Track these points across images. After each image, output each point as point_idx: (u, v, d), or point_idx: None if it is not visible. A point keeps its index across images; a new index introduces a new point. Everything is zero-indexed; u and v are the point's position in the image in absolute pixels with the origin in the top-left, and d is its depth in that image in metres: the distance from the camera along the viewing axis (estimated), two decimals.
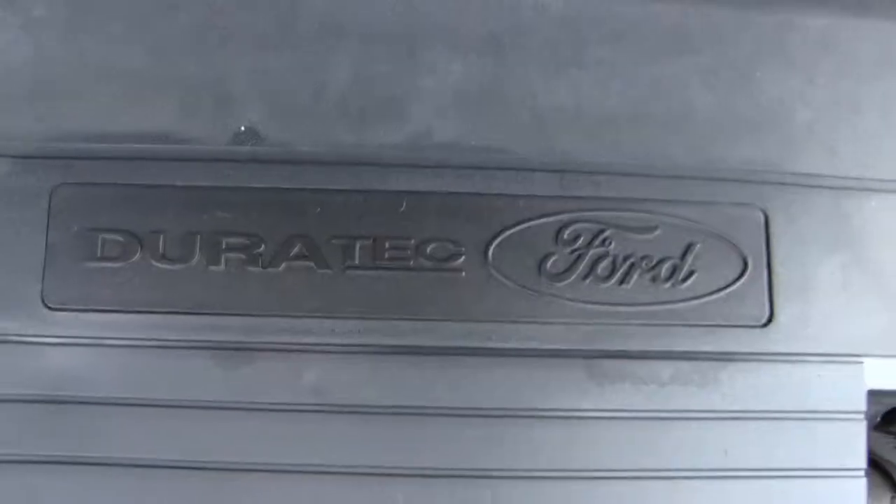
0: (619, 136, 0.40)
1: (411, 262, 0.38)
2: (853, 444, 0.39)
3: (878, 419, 0.51)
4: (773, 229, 0.40)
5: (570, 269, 0.39)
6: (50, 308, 0.38)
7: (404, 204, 0.39)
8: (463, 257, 0.39)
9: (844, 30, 0.43)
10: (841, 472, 0.39)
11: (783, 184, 0.40)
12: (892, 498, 0.42)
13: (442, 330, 0.38)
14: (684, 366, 0.38)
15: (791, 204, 0.40)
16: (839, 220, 0.40)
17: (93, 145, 0.39)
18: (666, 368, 0.38)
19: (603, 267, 0.39)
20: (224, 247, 0.38)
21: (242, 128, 0.39)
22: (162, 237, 0.38)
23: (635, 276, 0.39)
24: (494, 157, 0.40)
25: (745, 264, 0.39)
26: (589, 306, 0.38)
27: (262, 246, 0.38)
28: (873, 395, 0.40)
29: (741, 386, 0.38)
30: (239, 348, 0.37)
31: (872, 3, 0.45)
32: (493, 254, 0.39)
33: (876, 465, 0.43)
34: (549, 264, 0.39)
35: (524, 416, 0.37)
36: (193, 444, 0.37)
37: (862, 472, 0.39)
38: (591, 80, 0.41)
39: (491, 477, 0.37)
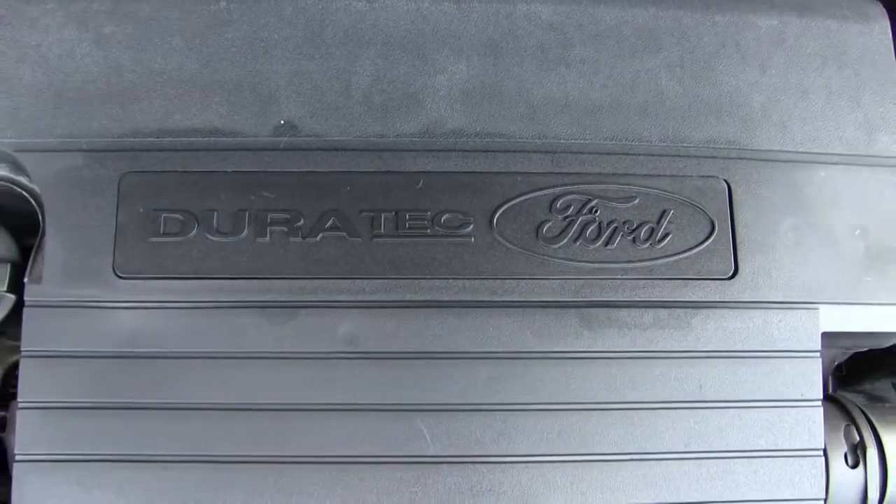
0: (602, 121, 0.48)
1: (428, 231, 0.46)
2: (810, 378, 0.45)
3: (843, 371, 0.57)
4: (736, 197, 0.47)
5: (562, 234, 0.46)
6: (120, 277, 0.45)
7: (421, 182, 0.46)
8: (472, 225, 0.46)
9: (792, 27, 0.51)
10: (800, 402, 0.45)
11: (743, 158, 0.48)
12: (847, 426, 0.48)
13: (455, 287, 0.45)
14: (662, 313, 0.45)
15: (750, 175, 0.48)
16: (792, 188, 0.48)
17: (155, 140, 0.47)
18: (647, 315, 0.45)
19: (591, 231, 0.46)
20: (269, 221, 0.45)
21: (282, 122, 0.47)
22: (216, 215, 0.45)
23: (618, 238, 0.46)
24: (496, 141, 0.47)
25: (713, 227, 0.47)
26: (579, 264, 0.45)
27: (301, 220, 0.45)
28: (827, 336, 0.46)
29: (712, 329, 0.45)
30: (283, 306, 0.44)
31: (816, 5, 0.52)
32: (497, 222, 0.46)
33: (832, 399, 0.50)
34: (544, 230, 0.46)
35: (527, 358, 0.44)
36: (245, 389, 0.44)
37: (819, 402, 0.45)
38: (576, 75, 0.48)
39: (500, 410, 0.44)
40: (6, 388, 0.55)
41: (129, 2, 0.49)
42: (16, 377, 0.54)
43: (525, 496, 0.43)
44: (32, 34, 0.48)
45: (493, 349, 0.44)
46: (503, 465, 0.43)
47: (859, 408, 0.49)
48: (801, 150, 0.48)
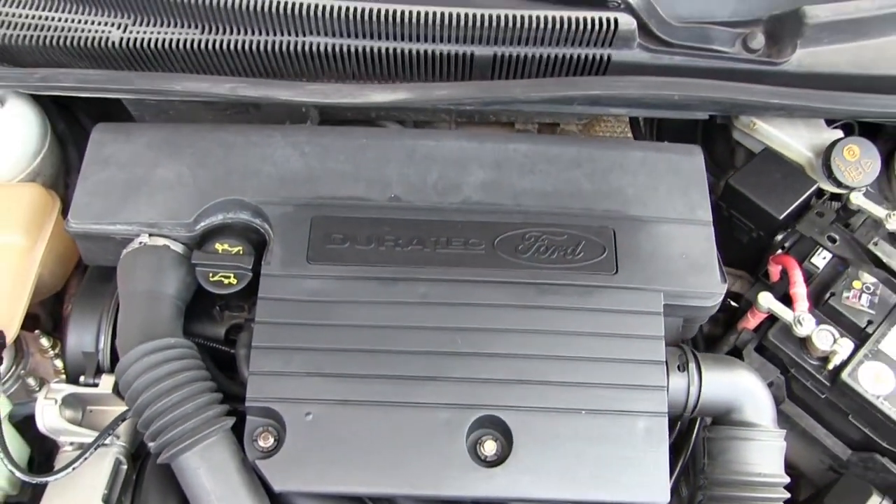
0: (549, 199, 1.06)
1: (462, 248, 1.03)
2: (656, 326, 0.99)
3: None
4: (618, 237, 1.04)
5: (528, 250, 1.03)
6: (310, 263, 1.01)
7: (460, 225, 1.04)
8: (483, 246, 1.03)
9: (651, 157, 1.11)
10: (651, 337, 0.98)
11: (622, 218, 1.05)
12: (680, 354, 0.99)
13: (475, 273, 1.01)
14: (578, 289, 1.00)
15: (626, 226, 1.05)
16: (649, 234, 1.04)
17: (330, 200, 1.06)
18: (570, 289, 1.00)
19: (542, 249, 1.03)
20: (385, 240, 1.03)
21: (392, 195, 1.06)
22: (358, 236, 1.03)
23: (556, 254, 1.02)
24: (497, 207, 1.06)
25: (604, 250, 1.03)
26: (536, 265, 1.02)
27: (401, 240, 1.03)
28: (667, 306, 1.00)
29: (605, 299, 1.00)
30: (391, 279, 1.00)
31: (664, 147, 1.13)
32: (496, 244, 1.03)
33: (676, 345, 1.02)
34: (519, 248, 1.03)
35: (509, 307, 0.99)
36: (372, 317, 0.98)
37: (661, 337, 0.98)
38: (538, 178, 1.08)
39: (496, 332, 0.98)
40: (228, 337, 1.10)
41: (317, 136, 1.11)
42: (234, 331, 1.09)
43: (511, 373, 0.95)
44: (267, 150, 1.10)
45: (493, 303, 0.99)
46: (498, 358, 0.97)
47: (689, 347, 1.01)
48: (654, 215, 1.06)
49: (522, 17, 1.13)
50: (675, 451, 1.11)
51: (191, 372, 0.97)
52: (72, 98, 1.24)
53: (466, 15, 1.13)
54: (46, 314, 1.24)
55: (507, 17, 1.13)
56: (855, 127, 1.32)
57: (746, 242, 1.21)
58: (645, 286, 1.02)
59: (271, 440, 0.95)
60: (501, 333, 0.98)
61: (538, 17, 1.13)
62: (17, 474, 0.94)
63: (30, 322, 1.14)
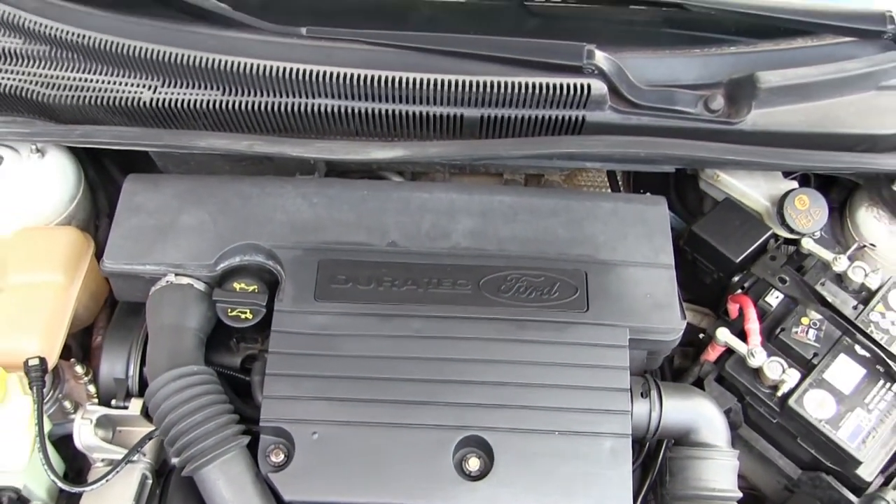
0: (529, 245, 1.23)
1: (450, 288, 1.19)
2: (621, 357, 1.15)
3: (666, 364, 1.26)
4: (589, 279, 1.20)
5: (509, 290, 1.19)
6: (317, 300, 1.17)
7: (448, 268, 1.20)
8: (470, 286, 1.20)
9: (621, 208, 1.28)
10: (617, 367, 1.13)
11: (593, 262, 1.22)
12: (644, 382, 1.14)
13: (463, 310, 1.18)
14: (553, 325, 1.16)
15: (596, 269, 1.21)
16: (617, 275, 1.20)
17: (334, 245, 1.22)
18: (546, 325, 1.16)
19: (522, 290, 1.19)
20: (383, 281, 1.19)
21: (390, 240, 1.23)
22: (359, 277, 1.19)
23: (534, 294, 1.19)
24: (482, 252, 1.23)
25: (577, 290, 1.19)
26: (516, 303, 1.18)
27: (397, 281, 1.19)
28: (632, 340, 1.15)
29: (576, 333, 1.16)
30: (389, 315, 1.16)
31: (634, 198, 1.30)
32: (481, 285, 1.20)
33: (641, 374, 1.17)
34: (501, 288, 1.19)
35: (491, 340, 1.15)
36: (371, 348, 1.13)
37: (626, 368, 1.13)
38: (519, 226, 1.25)
39: (478, 362, 1.13)
40: (244, 365, 1.25)
41: (324, 188, 1.28)
42: (249, 361, 1.25)
43: (493, 398, 1.10)
44: (280, 200, 1.27)
45: (478, 336, 1.15)
46: (482, 385, 1.12)
47: (652, 376, 1.16)
48: (622, 259, 1.22)
49: (506, 83, 1.31)
50: (645, 469, 1.26)
51: (212, 396, 1.13)
52: (102, 149, 1.42)
53: (457, 81, 1.31)
54: (77, 345, 1.40)
55: (492, 82, 1.31)
56: (811, 178, 1.50)
57: (709, 283, 1.37)
58: (612, 322, 1.18)
59: (282, 456, 1.10)
60: (485, 363, 1.14)
61: (520, 83, 1.31)
62: (60, 485, 1.10)
63: (64, 352, 1.30)
